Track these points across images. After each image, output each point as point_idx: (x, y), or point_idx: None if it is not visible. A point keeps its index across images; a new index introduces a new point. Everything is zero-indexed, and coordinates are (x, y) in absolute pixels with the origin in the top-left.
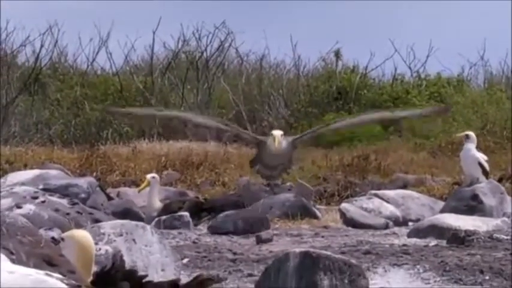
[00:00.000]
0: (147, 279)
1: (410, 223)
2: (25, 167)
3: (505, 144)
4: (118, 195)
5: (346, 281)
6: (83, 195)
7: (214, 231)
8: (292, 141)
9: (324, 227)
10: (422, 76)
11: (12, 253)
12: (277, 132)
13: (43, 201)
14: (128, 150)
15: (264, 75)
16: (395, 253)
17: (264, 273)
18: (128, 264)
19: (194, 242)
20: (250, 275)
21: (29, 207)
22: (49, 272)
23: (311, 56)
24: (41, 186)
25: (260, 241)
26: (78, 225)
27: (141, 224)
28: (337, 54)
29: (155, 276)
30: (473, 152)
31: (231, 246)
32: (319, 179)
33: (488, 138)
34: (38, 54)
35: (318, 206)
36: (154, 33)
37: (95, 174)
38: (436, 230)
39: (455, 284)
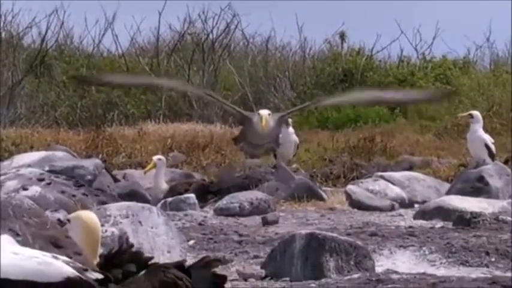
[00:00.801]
0: (153, 261)
1: (416, 205)
2: (31, 149)
3: (511, 126)
4: (124, 177)
5: (352, 263)
6: (89, 177)
7: (220, 213)
8: (280, 118)
9: (330, 209)
10: (428, 58)
11: (18, 235)
12: (264, 112)
13: (49, 183)
14: (133, 132)
15: (269, 57)
16: (401, 235)
17: (270, 254)
18: (134, 246)
19: (200, 224)
20: (256, 256)
21: (35, 189)
22: (55, 254)
23: (317, 38)
24: (47, 168)
25: (266, 223)
26: (84, 207)
27: (147, 205)
28: (343, 36)
29: (161, 258)
30: (480, 133)
31: (237, 228)
32: (325, 161)
33: (494, 120)
34: (44, 36)
35: (324, 188)
36: (160, 14)
37: (100, 156)
38: (442, 212)
39: (461, 265)
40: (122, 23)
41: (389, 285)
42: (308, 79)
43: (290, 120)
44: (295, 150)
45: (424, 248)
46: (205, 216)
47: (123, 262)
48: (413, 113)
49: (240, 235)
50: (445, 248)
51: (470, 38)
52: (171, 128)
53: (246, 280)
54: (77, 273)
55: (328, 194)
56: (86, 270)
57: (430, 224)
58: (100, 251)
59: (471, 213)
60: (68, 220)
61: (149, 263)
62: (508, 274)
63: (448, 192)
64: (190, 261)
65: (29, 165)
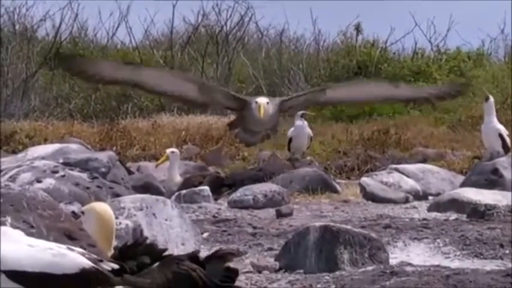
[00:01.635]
0: (167, 252)
1: (430, 197)
2: (45, 141)
3: None
4: (138, 169)
5: (366, 255)
6: (103, 170)
7: (234, 205)
8: (280, 104)
9: (344, 201)
10: (443, 50)
11: (32, 227)
12: (263, 100)
13: (63, 176)
14: (147, 125)
15: (283, 49)
16: (416, 227)
17: (284, 247)
18: (148, 239)
19: (214, 216)
20: (270, 249)
21: (49, 182)
22: (70, 246)
23: (331, 30)
24: (61, 161)
25: (280, 215)
26: (98, 200)
27: (161, 198)
28: (358, 28)
29: (175, 251)
30: (494, 124)
31: (251, 220)
32: (339, 153)
33: (509, 112)
34: (58, 29)
35: (338, 180)
36: (174, 7)
37: (115, 148)
38: (456, 204)
39: (475, 258)
40: (136, 15)
41: (403, 278)
42: (322, 71)
43: (304, 112)
44: (309, 142)
45: (438, 241)
46: (219, 209)
47: (138, 254)
48: (427, 105)
49: (254, 227)
50: (459, 240)
51: (485, 30)
52: (185, 121)
53: (260, 272)
54: (92, 264)
55: (342, 186)
56: (101, 261)
57: (444, 217)
58: (114, 243)
59: (485, 205)
60: (82, 212)
61: (163, 254)
62: None
63: (462, 185)
64: (204, 253)
65: (43, 158)
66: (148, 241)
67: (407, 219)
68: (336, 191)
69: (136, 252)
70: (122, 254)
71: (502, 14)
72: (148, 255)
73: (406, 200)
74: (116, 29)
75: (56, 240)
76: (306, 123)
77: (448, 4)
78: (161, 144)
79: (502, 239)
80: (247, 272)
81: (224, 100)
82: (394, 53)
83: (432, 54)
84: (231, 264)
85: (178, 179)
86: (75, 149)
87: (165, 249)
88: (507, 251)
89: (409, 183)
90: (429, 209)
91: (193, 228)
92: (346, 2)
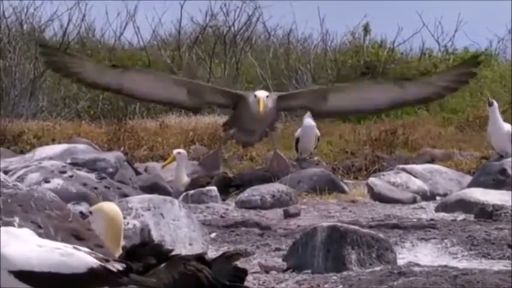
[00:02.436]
0: (174, 253)
1: (438, 197)
2: (53, 141)
3: None
4: (146, 169)
5: (373, 255)
6: (110, 170)
7: (242, 205)
8: (278, 99)
9: (352, 201)
10: (450, 50)
11: (40, 227)
12: (262, 94)
13: (71, 176)
14: (155, 125)
15: (291, 49)
16: (423, 227)
17: (291, 247)
18: (155, 239)
19: (222, 217)
20: (277, 249)
21: (57, 182)
22: (77, 246)
23: (339, 30)
24: (68, 161)
25: (288, 215)
26: (106, 200)
27: (169, 198)
28: (366, 28)
29: (183, 251)
30: (500, 123)
31: (258, 221)
32: (346, 153)
33: None
34: (66, 29)
35: (345, 181)
36: (182, 7)
37: (122, 148)
38: (464, 205)
39: (483, 258)
40: (143, 15)
41: (411, 278)
42: (330, 72)
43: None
44: (316, 142)
45: (446, 241)
46: (227, 209)
47: (144, 255)
48: (435, 105)
49: (262, 228)
50: (467, 240)
51: (492, 30)
52: (192, 121)
53: (267, 272)
54: (100, 264)
55: (349, 186)
56: (108, 260)
57: (452, 217)
58: (122, 243)
59: (493, 205)
60: (91, 212)
61: (170, 255)
62: None
63: (470, 185)
64: (211, 253)
65: (51, 158)
66: (155, 241)
67: (414, 220)
68: (343, 191)
69: (143, 253)
70: (129, 255)
71: (510, 14)
72: (155, 255)
73: (414, 200)
74: (124, 29)
75: (63, 241)
76: (314, 123)
77: (456, 4)
78: (169, 145)
79: (510, 239)
80: (254, 272)
81: (218, 98)
82: (402, 53)
83: (440, 54)
84: (239, 265)
85: (185, 179)
86: (83, 149)
87: (171, 250)
88: None
89: (417, 183)
90: (437, 209)
91: (201, 229)
92: (354, 2)
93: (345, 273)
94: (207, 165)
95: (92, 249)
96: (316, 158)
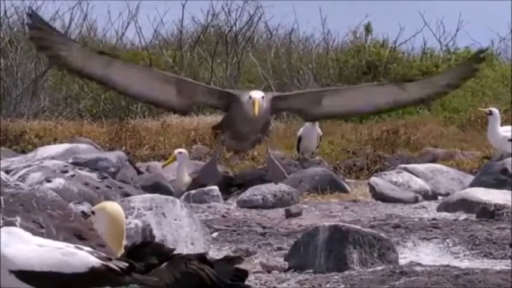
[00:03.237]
0: (175, 252)
1: (439, 197)
2: (55, 141)
3: None
4: (147, 169)
5: (375, 255)
6: (112, 169)
7: (243, 205)
8: (273, 99)
9: (354, 201)
10: (452, 50)
11: (42, 227)
12: (257, 95)
13: (73, 175)
14: (157, 125)
15: (293, 49)
16: (425, 227)
17: (293, 246)
18: (157, 238)
19: (223, 216)
20: (279, 248)
21: (58, 181)
22: (79, 246)
23: (340, 30)
24: (70, 160)
25: (289, 215)
26: (108, 199)
27: (170, 198)
28: (368, 28)
29: (185, 250)
30: (498, 130)
31: (260, 220)
32: (348, 153)
33: None
34: (68, 29)
35: (347, 180)
36: (183, 7)
37: (124, 148)
38: (466, 204)
39: (484, 257)
40: (145, 15)
41: (412, 278)
42: (331, 71)
43: None
44: (318, 142)
45: (447, 240)
46: (229, 209)
47: (146, 254)
48: (437, 105)
49: (264, 227)
50: (468, 240)
51: (494, 30)
52: (194, 121)
53: (269, 272)
54: (102, 263)
55: (351, 186)
56: (110, 259)
57: (454, 216)
58: (124, 243)
59: (495, 205)
60: (93, 212)
61: (171, 254)
62: None
63: (472, 185)
64: (213, 253)
65: (53, 158)
66: (156, 241)
67: (416, 219)
68: (345, 191)
69: (144, 252)
70: (130, 255)
71: (511, 14)
72: (157, 255)
73: (416, 200)
74: (125, 29)
75: (65, 240)
76: (316, 122)
77: (457, 4)
78: (170, 144)
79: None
80: (256, 271)
81: (208, 98)
82: (404, 53)
83: (441, 54)
84: (241, 266)
85: (187, 179)
86: (85, 149)
87: (173, 249)
88: None
89: (419, 183)
90: (438, 209)
91: (202, 228)
92: (356, 2)
93: (346, 272)
94: (205, 177)
95: (94, 249)
96: (317, 158)
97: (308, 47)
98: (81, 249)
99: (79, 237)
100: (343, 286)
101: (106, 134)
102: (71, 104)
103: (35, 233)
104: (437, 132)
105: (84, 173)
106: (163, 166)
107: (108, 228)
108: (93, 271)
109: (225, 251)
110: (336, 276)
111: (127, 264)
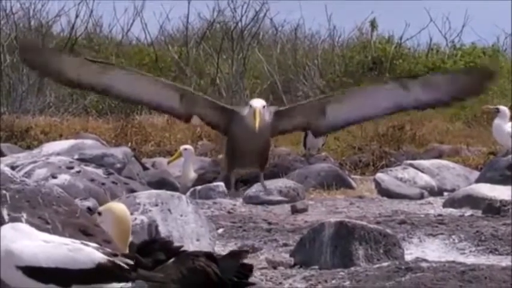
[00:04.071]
0: (182, 249)
1: (445, 193)
2: (60, 137)
3: None
4: (153, 165)
5: (381, 251)
6: (118, 165)
7: (249, 201)
8: (276, 114)
9: (359, 197)
10: (458, 46)
11: (48, 223)
12: (258, 104)
13: (78, 171)
14: (163, 121)
15: (298, 45)
16: (431, 223)
17: (299, 243)
18: (163, 234)
19: (229, 212)
20: (285, 244)
21: (64, 177)
22: (85, 242)
23: (346, 26)
24: (76, 156)
25: (295, 211)
26: (114, 195)
27: (176, 194)
28: (373, 24)
29: (190, 246)
30: (503, 127)
31: (266, 216)
32: (354, 149)
33: None
34: (73, 25)
35: (353, 176)
36: (189, 3)
37: (130, 144)
38: (472, 200)
39: (490, 254)
40: (151, 11)
41: (418, 274)
42: (337, 67)
43: None
44: (324, 139)
45: (453, 236)
46: (235, 205)
47: (153, 251)
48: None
49: (269, 223)
50: (474, 236)
51: (500, 26)
52: None
53: (275, 268)
54: (108, 259)
55: (357, 182)
56: (116, 255)
57: (460, 212)
58: (130, 239)
59: (501, 201)
60: (99, 213)
61: (179, 251)
62: None
63: (478, 181)
64: (219, 249)
65: (58, 154)
66: (163, 237)
67: (422, 215)
68: (351, 187)
69: (152, 249)
70: (138, 251)
71: None
72: (164, 252)
73: (421, 196)
74: (131, 25)
75: (71, 236)
76: None
77: (463, 0)
78: (176, 140)
79: None
80: (262, 267)
81: (209, 112)
82: (409, 49)
83: (447, 50)
84: (246, 260)
85: (192, 175)
86: (91, 145)
87: (180, 246)
88: None
89: (424, 179)
90: (444, 205)
91: (208, 224)
92: None
93: (352, 268)
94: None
95: (99, 245)
96: (323, 154)
97: (314, 43)
98: (87, 245)
99: (85, 233)
100: (348, 282)
101: (112, 130)
102: (76, 100)
103: (40, 229)
104: (443, 128)
105: (90, 169)
106: (168, 162)
107: (114, 228)
108: (99, 267)
109: (231, 247)
110: (341, 273)
111: (133, 261)
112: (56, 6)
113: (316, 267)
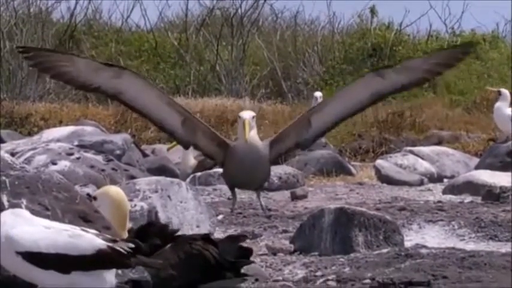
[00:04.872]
0: (179, 233)
1: (445, 180)
2: (60, 123)
3: None
4: (153, 152)
5: (381, 237)
6: (118, 152)
7: None
8: (270, 145)
9: (359, 184)
10: (457, 32)
11: (48, 209)
12: (247, 115)
13: (78, 158)
14: None
15: (298, 32)
16: (430, 209)
17: (298, 229)
18: (163, 221)
19: (229, 199)
20: (285, 231)
21: (64, 164)
22: (85, 228)
23: (346, 12)
24: (76, 143)
25: (295, 197)
26: (113, 182)
27: (176, 180)
28: (373, 10)
29: (190, 233)
30: (504, 111)
31: (266, 203)
32: (354, 136)
33: None
34: (73, 11)
35: (352, 163)
36: None
37: (129, 131)
38: (471, 187)
39: (490, 240)
40: None
41: (418, 260)
42: (337, 54)
43: (320, 94)
44: None
45: (453, 223)
46: None
47: (151, 236)
48: (442, 87)
49: (269, 210)
50: (474, 222)
51: (499, 12)
52: (200, 103)
53: (275, 255)
54: (108, 245)
55: (357, 168)
56: (116, 241)
57: (459, 199)
58: (129, 225)
59: (500, 187)
60: (95, 197)
61: (176, 235)
62: None
63: (477, 167)
64: (218, 235)
65: (58, 140)
66: (159, 222)
67: (422, 202)
68: (350, 174)
69: (149, 234)
70: (136, 236)
71: None
72: (161, 236)
73: (421, 183)
74: (131, 12)
75: (71, 222)
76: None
77: None
78: None
79: None
80: (262, 254)
81: (206, 141)
82: (409, 35)
83: (447, 36)
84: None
85: (192, 161)
86: (90, 132)
87: (177, 230)
88: None
89: (424, 165)
90: (444, 192)
91: (208, 211)
92: None
93: (352, 255)
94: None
95: (99, 231)
96: (323, 140)
97: (313, 29)
98: (87, 231)
99: (84, 219)
100: (348, 268)
101: (111, 117)
102: None
103: (40, 215)
104: (443, 115)
105: (89, 155)
106: (168, 149)
107: (111, 212)
108: (99, 253)
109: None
110: (341, 259)
111: (132, 246)
112: None
113: (316, 253)
